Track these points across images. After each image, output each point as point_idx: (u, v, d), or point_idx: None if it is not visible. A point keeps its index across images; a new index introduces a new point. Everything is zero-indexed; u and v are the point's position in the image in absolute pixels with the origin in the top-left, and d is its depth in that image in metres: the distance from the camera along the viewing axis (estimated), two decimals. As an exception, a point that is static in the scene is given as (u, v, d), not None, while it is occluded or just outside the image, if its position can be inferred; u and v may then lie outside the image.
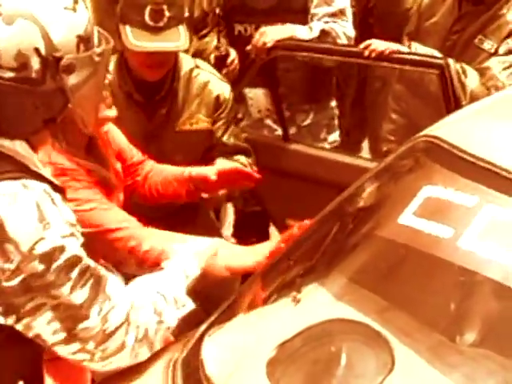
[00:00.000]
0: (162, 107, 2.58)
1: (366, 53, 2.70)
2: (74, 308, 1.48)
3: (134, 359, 1.60)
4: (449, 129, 1.76)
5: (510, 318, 1.50)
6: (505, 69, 2.74)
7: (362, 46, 2.76)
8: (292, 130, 3.16)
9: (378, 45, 2.68)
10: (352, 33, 3.05)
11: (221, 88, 2.66)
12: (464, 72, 2.68)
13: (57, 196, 1.49)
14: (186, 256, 1.83)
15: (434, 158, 1.69)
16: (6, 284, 1.43)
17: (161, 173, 2.34)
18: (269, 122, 3.21)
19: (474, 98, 2.57)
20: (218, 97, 2.64)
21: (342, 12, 3.03)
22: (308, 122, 3.21)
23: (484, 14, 2.83)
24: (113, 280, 1.57)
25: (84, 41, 1.51)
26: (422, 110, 2.88)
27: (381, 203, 1.78)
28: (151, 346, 1.62)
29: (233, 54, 3.11)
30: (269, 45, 2.87)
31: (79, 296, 1.48)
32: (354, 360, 1.57)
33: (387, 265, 1.70)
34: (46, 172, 1.56)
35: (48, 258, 1.43)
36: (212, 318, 1.76)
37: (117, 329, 1.53)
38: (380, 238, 1.71)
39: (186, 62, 2.64)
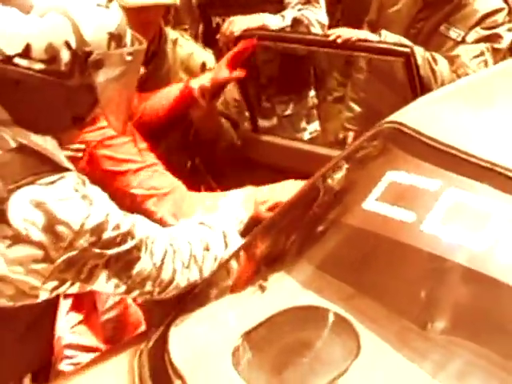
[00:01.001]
0: (149, 66, 2.60)
1: (331, 38, 2.68)
2: (124, 256, 1.58)
3: (187, 283, 1.71)
4: (412, 115, 1.75)
5: (476, 302, 1.50)
6: (475, 57, 2.74)
7: (329, 33, 2.75)
8: (273, 121, 3.17)
9: (345, 32, 2.67)
10: (325, 20, 3.04)
11: (205, 56, 2.73)
12: (434, 60, 2.68)
13: (85, 178, 1.58)
14: (234, 205, 1.95)
15: (398, 144, 1.69)
16: (59, 260, 1.52)
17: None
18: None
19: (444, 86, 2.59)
20: (203, 64, 2.70)
21: None
22: (288, 112, 3.22)
23: (449, 3, 2.83)
24: (139, 219, 1.65)
25: (115, 38, 1.54)
26: (382, 98, 2.88)
27: (345, 190, 1.78)
28: (201, 271, 1.73)
29: None
30: (236, 34, 2.85)
31: (125, 245, 1.58)
32: (320, 347, 1.57)
33: (353, 251, 1.70)
34: (72, 167, 1.62)
35: (98, 230, 1.53)
36: (178, 308, 1.75)
37: (163, 259, 1.64)
38: (345, 224, 1.71)
39: (171, 33, 2.71)
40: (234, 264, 1.82)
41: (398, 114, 1.78)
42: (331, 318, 1.60)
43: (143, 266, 1.62)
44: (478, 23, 2.78)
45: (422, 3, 2.88)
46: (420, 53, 2.66)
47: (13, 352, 1.63)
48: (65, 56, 1.50)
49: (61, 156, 1.58)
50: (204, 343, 1.60)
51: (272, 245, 1.84)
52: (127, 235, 1.58)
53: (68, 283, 1.56)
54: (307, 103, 3.25)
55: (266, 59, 3.11)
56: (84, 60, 1.51)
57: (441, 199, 1.49)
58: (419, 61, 2.62)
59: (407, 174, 1.59)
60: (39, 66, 1.49)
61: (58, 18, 1.49)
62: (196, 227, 1.80)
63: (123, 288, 1.62)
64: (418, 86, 2.53)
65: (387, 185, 1.60)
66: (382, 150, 1.74)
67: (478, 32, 2.77)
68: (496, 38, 2.77)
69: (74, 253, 1.52)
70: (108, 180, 2.07)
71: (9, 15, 1.49)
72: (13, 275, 1.51)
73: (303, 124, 3.25)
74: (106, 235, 1.54)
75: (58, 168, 1.54)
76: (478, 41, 2.77)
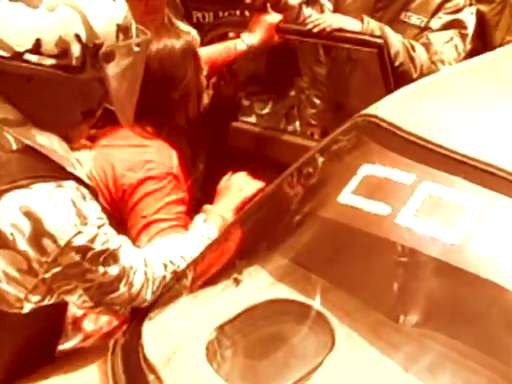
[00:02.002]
0: None
1: (307, 27, 2.65)
2: (105, 286, 1.58)
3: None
4: (387, 108, 1.75)
5: (449, 295, 1.50)
6: (446, 43, 2.74)
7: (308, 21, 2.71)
8: (251, 119, 3.13)
9: (322, 21, 2.63)
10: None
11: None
12: (412, 47, 2.67)
13: (86, 192, 1.55)
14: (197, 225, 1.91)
15: (373, 137, 1.69)
16: (43, 276, 1.50)
17: None
18: None
19: (423, 73, 2.58)
20: None
21: None
22: (266, 111, 3.19)
23: None
24: (126, 243, 1.64)
25: (123, 30, 1.52)
26: (346, 92, 2.87)
27: (320, 183, 1.78)
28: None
29: None
30: None
31: (110, 274, 1.57)
32: (294, 341, 1.57)
33: (328, 245, 1.69)
34: (81, 171, 1.60)
35: (84, 249, 1.51)
36: (152, 302, 1.74)
37: (141, 289, 1.65)
38: (320, 217, 1.71)
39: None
40: (208, 258, 1.81)
41: (373, 107, 1.78)
42: (305, 311, 1.59)
43: (119, 295, 1.62)
44: (438, 8, 2.75)
45: None
46: (399, 39, 2.65)
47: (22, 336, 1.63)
48: (76, 50, 1.47)
49: (71, 158, 1.56)
50: (178, 337, 1.59)
51: (246, 238, 1.83)
52: (111, 256, 1.56)
53: (49, 298, 1.55)
54: (287, 103, 3.22)
55: (245, 57, 3.08)
56: (95, 53, 1.48)
57: (415, 192, 1.49)
58: (399, 48, 2.60)
59: (382, 167, 1.59)
60: (50, 62, 1.46)
61: (68, 12, 1.46)
62: (168, 253, 1.76)
63: (90, 304, 1.61)
64: (391, 77, 2.52)
65: (362, 178, 1.59)
66: (357, 143, 1.74)
67: (442, 17, 2.75)
68: (461, 24, 2.76)
69: (57, 269, 1.50)
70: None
71: (17, 11, 1.46)
72: None
73: (282, 124, 3.22)
74: (93, 251, 1.52)
75: (58, 174, 1.51)
76: (444, 27, 2.74)
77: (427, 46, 2.71)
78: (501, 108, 1.64)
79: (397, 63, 2.61)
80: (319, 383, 1.42)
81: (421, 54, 2.67)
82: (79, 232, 1.49)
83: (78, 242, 1.49)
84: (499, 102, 1.67)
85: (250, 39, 2.64)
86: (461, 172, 1.48)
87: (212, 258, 1.81)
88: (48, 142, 1.52)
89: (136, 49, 1.54)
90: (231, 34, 2.90)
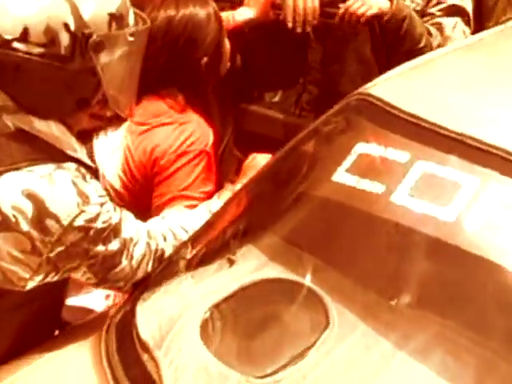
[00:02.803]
0: None
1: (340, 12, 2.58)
2: (108, 261, 1.60)
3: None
4: (382, 86, 1.74)
5: (445, 274, 1.50)
6: (454, 28, 2.69)
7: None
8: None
9: (361, 4, 2.51)
10: None
11: None
12: (429, 32, 2.62)
13: (86, 172, 1.56)
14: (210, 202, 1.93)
15: (367, 116, 1.68)
16: (47, 255, 1.52)
17: None
18: None
19: None
20: None
21: None
22: (276, 99, 3.13)
23: None
24: (127, 216, 1.66)
25: (116, 19, 1.50)
26: (339, 78, 2.83)
27: (315, 162, 1.77)
28: None
29: None
30: None
31: (112, 249, 1.60)
32: (288, 320, 1.56)
33: (322, 224, 1.68)
34: (82, 153, 1.61)
35: (87, 227, 1.53)
36: (146, 281, 1.73)
37: (141, 261, 1.67)
38: (314, 196, 1.70)
39: None
40: (202, 238, 1.80)
41: (367, 86, 1.77)
42: (299, 290, 1.58)
43: (121, 268, 1.64)
44: None
45: None
46: (421, 23, 2.56)
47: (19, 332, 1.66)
48: (64, 39, 1.46)
49: (71, 141, 1.57)
50: (172, 317, 1.58)
51: (241, 218, 1.82)
52: (113, 231, 1.59)
53: (52, 276, 1.57)
54: (297, 90, 3.16)
55: (254, 46, 3.03)
56: (84, 42, 1.47)
57: (410, 171, 1.49)
58: (423, 31, 2.50)
59: (377, 145, 1.58)
60: (38, 50, 1.45)
61: (56, 0, 1.46)
62: (172, 226, 1.80)
63: (94, 281, 1.64)
64: (383, 57, 2.49)
65: (356, 157, 1.59)
66: (351, 122, 1.73)
67: (441, 2, 2.67)
68: (462, 11, 2.71)
69: (61, 248, 1.52)
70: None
71: None
72: (1, 262, 1.52)
73: (293, 110, 3.18)
74: (95, 229, 1.55)
75: (58, 156, 1.52)
76: (446, 13, 2.68)
77: (441, 31, 2.66)
78: (493, 86, 1.63)
79: (420, 45, 2.55)
80: (314, 361, 1.42)
81: (437, 37, 2.63)
82: (82, 211, 1.51)
83: (81, 221, 1.52)
84: (492, 80, 1.67)
85: (246, 12, 2.62)
86: (455, 150, 1.47)
87: (206, 237, 1.81)
88: (46, 128, 1.53)
89: (131, 38, 1.53)
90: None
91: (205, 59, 2.06)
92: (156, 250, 1.71)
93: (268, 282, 1.62)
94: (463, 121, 1.53)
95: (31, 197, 1.48)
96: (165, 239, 1.74)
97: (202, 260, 1.75)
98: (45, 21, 1.44)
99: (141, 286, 1.72)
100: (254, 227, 1.78)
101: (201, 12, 2.07)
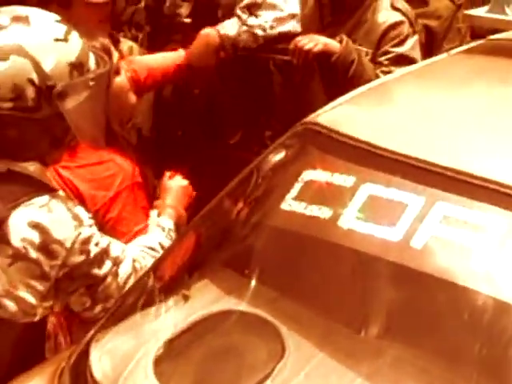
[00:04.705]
0: None
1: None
2: (99, 282, 1.72)
3: None
4: (327, 114, 1.76)
5: (399, 293, 1.49)
6: None
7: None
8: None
9: (308, 42, 2.61)
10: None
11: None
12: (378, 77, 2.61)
13: (72, 199, 1.78)
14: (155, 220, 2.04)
15: (314, 143, 1.70)
16: (55, 277, 1.66)
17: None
18: None
19: None
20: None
21: None
22: (237, 138, 3.11)
23: (348, 22, 2.74)
24: (112, 240, 1.78)
25: (77, 67, 1.64)
26: (300, 111, 2.85)
27: (264, 192, 1.77)
28: None
29: None
30: None
31: (105, 270, 1.73)
32: (244, 350, 1.55)
33: (273, 253, 1.68)
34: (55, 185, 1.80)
35: (85, 246, 1.68)
36: (100, 322, 1.71)
37: (127, 279, 1.77)
38: (264, 226, 1.70)
39: None
40: (155, 275, 1.78)
41: (314, 115, 1.78)
42: (254, 321, 1.57)
43: (108, 285, 1.75)
44: (381, 39, 2.70)
45: (320, 24, 2.80)
46: (371, 67, 2.62)
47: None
48: (30, 92, 1.60)
49: (45, 178, 1.71)
50: (125, 354, 1.56)
51: (194, 253, 1.81)
52: (105, 253, 1.73)
53: (58, 303, 1.73)
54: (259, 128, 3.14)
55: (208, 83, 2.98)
56: (49, 93, 1.61)
57: (356, 194, 1.49)
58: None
59: (323, 172, 1.59)
60: (7, 105, 1.60)
61: (19, 60, 1.59)
62: (145, 249, 1.91)
63: (89, 303, 1.74)
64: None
65: (304, 184, 1.59)
66: (299, 150, 1.74)
67: (389, 51, 2.69)
68: (410, 61, 2.64)
69: (66, 270, 1.67)
70: None
71: None
72: (15, 291, 1.64)
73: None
74: (92, 251, 1.69)
75: (46, 189, 1.67)
76: (394, 62, 2.66)
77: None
78: (434, 109, 1.67)
79: None
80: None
81: None
82: (79, 233, 1.67)
83: (80, 241, 1.67)
84: (434, 104, 1.71)
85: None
86: (399, 171, 1.48)
87: (161, 273, 1.79)
88: (22, 166, 1.67)
89: (91, 83, 1.66)
90: None
91: None
92: (141, 268, 1.81)
93: (222, 315, 1.61)
94: (406, 142, 1.55)
95: (36, 227, 1.63)
96: (148, 256, 1.87)
97: (157, 297, 1.73)
98: (11, 79, 1.58)
99: (95, 327, 1.69)
100: (208, 261, 1.78)
101: None
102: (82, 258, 1.68)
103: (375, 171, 1.52)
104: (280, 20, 2.78)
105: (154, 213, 2.04)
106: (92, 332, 1.68)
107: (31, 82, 1.60)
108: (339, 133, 1.63)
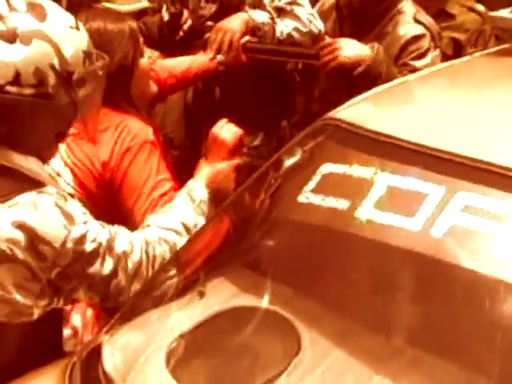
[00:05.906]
0: None
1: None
2: (104, 278, 1.65)
3: None
4: (347, 110, 1.75)
5: (423, 288, 1.45)
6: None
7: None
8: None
9: (337, 47, 2.55)
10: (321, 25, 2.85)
11: None
12: None
13: (66, 194, 1.65)
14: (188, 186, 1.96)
15: (333, 137, 1.68)
16: (47, 277, 1.59)
17: None
18: None
19: None
20: None
21: None
22: (256, 143, 3.10)
23: (369, 35, 2.70)
24: (117, 231, 1.70)
25: (88, 56, 1.65)
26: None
27: (283, 188, 1.75)
28: None
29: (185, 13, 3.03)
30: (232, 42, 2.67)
31: (108, 267, 1.65)
32: (259, 346, 1.52)
33: (290, 249, 1.66)
34: (61, 181, 1.79)
35: (78, 247, 1.59)
36: (114, 318, 1.68)
37: (137, 270, 1.69)
38: (280, 221, 1.67)
39: None
40: (171, 272, 1.76)
41: (335, 110, 1.77)
42: (270, 317, 1.55)
43: (118, 282, 1.68)
44: (401, 52, 2.65)
45: (340, 35, 2.73)
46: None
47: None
48: (51, 79, 1.57)
49: (44, 174, 1.65)
50: (137, 349, 1.54)
51: (210, 250, 1.79)
52: (107, 249, 1.65)
53: (57, 300, 1.63)
54: (279, 134, 3.07)
55: (228, 86, 2.94)
56: (68, 80, 1.59)
57: (375, 185, 1.47)
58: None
59: (342, 165, 1.56)
60: (29, 91, 1.56)
61: (42, 44, 1.57)
62: (163, 232, 1.82)
63: (98, 299, 1.69)
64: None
65: (322, 177, 1.57)
66: (318, 144, 1.72)
67: (408, 65, 2.63)
68: None
69: (59, 269, 1.59)
70: None
71: None
72: (6, 294, 1.57)
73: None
74: (87, 249, 1.61)
75: (34, 185, 1.59)
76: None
77: None
78: (455, 105, 1.68)
79: None
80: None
81: None
82: (70, 231, 1.58)
83: (71, 241, 1.58)
84: (454, 101, 1.71)
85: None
86: (420, 162, 1.46)
87: (175, 271, 1.77)
88: (24, 162, 1.60)
89: (100, 72, 1.67)
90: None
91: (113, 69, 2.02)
92: (154, 257, 1.74)
93: (237, 311, 1.58)
94: (427, 135, 1.53)
95: (21, 227, 1.55)
96: (166, 242, 1.78)
97: (172, 294, 1.71)
98: (34, 64, 1.56)
99: (108, 323, 1.67)
100: (225, 259, 1.75)
101: (110, 27, 2.09)
102: (74, 257, 1.59)
103: (396, 163, 1.49)
104: (299, 32, 2.79)
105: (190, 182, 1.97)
106: (105, 327, 1.66)
107: (52, 67, 1.57)
108: (360, 127, 1.62)
